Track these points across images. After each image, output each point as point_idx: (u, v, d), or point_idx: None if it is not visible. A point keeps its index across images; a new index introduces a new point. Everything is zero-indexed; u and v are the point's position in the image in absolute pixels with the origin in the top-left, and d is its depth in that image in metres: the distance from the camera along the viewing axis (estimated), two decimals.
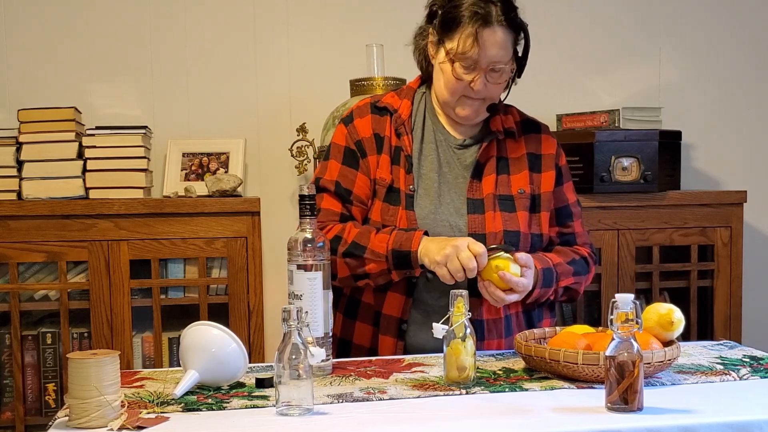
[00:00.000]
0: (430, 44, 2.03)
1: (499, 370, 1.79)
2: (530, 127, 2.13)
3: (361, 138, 2.05)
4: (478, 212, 2.01)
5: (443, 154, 2.06)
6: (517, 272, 1.87)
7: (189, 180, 3.02)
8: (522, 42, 2.02)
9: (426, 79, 2.13)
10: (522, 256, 1.91)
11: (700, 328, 3.14)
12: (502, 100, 2.09)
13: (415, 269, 1.93)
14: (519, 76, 2.08)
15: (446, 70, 1.98)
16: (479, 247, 1.85)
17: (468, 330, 1.67)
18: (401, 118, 2.06)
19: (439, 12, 1.98)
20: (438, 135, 2.08)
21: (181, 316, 2.93)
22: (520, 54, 2.03)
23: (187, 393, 1.62)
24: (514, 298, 1.89)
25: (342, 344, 2.07)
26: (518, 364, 1.83)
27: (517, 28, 1.98)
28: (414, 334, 1.99)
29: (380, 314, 2.01)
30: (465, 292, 1.68)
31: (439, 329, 1.70)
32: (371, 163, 2.04)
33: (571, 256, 2.08)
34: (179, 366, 1.73)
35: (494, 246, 1.91)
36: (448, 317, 1.68)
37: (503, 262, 1.87)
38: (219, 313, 2.78)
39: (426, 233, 1.95)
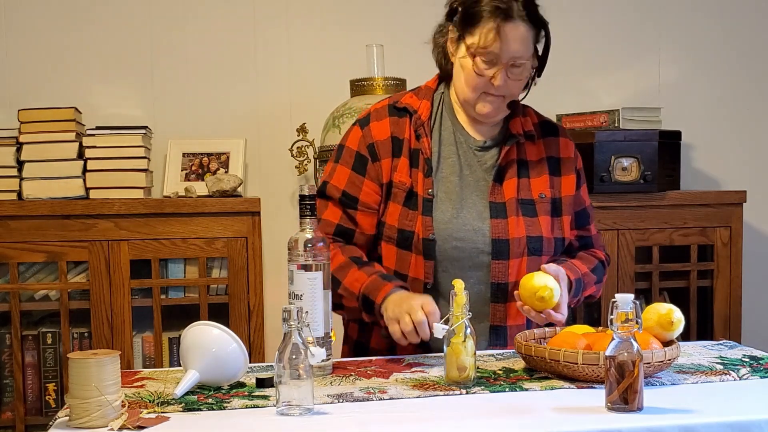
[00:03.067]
0: (450, 41, 2.00)
1: (499, 370, 1.80)
2: (549, 129, 2.10)
3: (375, 141, 2.00)
4: (500, 217, 1.98)
5: (463, 156, 2.02)
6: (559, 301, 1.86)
7: (189, 180, 3.02)
8: (543, 40, 1.99)
9: (444, 78, 2.09)
10: (563, 286, 1.90)
11: (700, 328, 3.14)
12: (521, 99, 2.06)
13: (379, 320, 1.90)
14: (539, 75, 2.05)
15: (467, 66, 1.95)
16: (432, 307, 1.79)
17: (468, 330, 1.67)
18: (421, 119, 2.01)
19: (460, 9, 1.95)
20: (458, 136, 2.04)
21: (182, 316, 2.92)
22: (540, 52, 2.00)
23: (188, 393, 1.62)
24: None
25: (358, 347, 2.05)
26: (518, 364, 1.83)
27: (538, 23, 1.95)
28: (435, 340, 1.93)
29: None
30: (466, 292, 1.68)
31: (439, 329, 1.70)
32: (384, 166, 1.99)
33: (594, 262, 2.08)
34: (179, 366, 1.73)
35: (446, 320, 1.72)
36: (448, 317, 1.68)
37: (547, 291, 1.84)
38: (219, 313, 2.78)
39: (404, 287, 1.91)
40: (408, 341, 1.82)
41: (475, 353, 1.68)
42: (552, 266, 1.92)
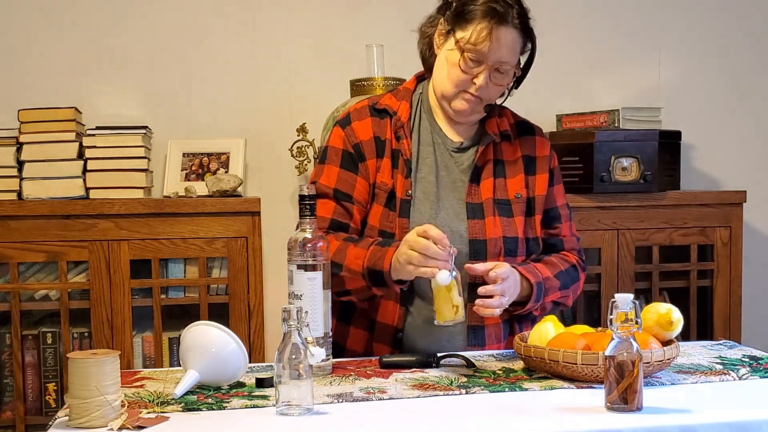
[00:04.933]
0: (438, 34, 2.00)
1: (499, 370, 1.80)
2: (525, 129, 2.11)
3: (360, 141, 2.01)
4: (477, 217, 1.98)
5: (441, 157, 2.03)
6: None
7: (189, 180, 3.03)
8: (527, 54, 2.00)
9: (424, 72, 2.09)
10: (500, 271, 1.84)
11: (700, 328, 3.14)
12: (498, 103, 2.08)
13: (390, 287, 1.88)
14: (517, 87, 2.06)
15: (452, 60, 1.95)
16: (426, 227, 1.78)
17: (454, 273, 1.76)
18: (401, 120, 2.02)
19: (454, 3, 1.96)
20: (435, 137, 2.05)
21: (182, 316, 2.93)
22: (522, 64, 2.01)
23: (187, 393, 1.62)
24: (505, 301, 1.83)
25: (334, 348, 2.04)
26: (518, 364, 1.83)
27: (528, 35, 1.97)
28: (411, 341, 1.97)
29: (375, 321, 1.99)
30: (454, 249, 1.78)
31: (444, 276, 1.75)
32: (371, 167, 2.00)
33: (559, 267, 2.03)
34: (179, 366, 1.73)
35: None
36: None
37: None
38: (219, 313, 2.78)
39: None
40: (435, 270, 1.76)
41: (461, 292, 1.78)
42: (500, 268, 1.86)
